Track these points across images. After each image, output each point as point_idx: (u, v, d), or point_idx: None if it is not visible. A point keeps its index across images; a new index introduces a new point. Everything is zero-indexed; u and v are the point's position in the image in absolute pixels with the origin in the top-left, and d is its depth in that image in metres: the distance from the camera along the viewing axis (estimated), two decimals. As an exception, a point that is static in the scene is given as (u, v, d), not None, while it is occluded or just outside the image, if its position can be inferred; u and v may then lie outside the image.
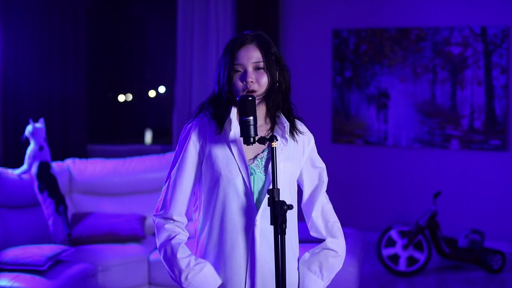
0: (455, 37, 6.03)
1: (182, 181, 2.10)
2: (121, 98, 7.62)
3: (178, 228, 2.09)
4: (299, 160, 2.16)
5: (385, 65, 6.26)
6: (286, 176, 2.06)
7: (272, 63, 2.08)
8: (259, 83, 2.05)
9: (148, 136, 7.80)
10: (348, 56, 6.37)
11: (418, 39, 6.15)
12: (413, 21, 6.19)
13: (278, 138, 2.07)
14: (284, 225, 1.90)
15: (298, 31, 6.55)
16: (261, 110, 2.11)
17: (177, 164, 2.11)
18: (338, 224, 2.22)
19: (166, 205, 2.10)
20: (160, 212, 2.10)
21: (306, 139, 2.19)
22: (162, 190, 2.14)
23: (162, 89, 7.57)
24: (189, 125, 2.13)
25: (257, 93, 2.05)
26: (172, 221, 2.09)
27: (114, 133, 7.76)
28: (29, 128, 4.56)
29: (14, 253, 3.87)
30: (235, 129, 2.08)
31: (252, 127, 1.98)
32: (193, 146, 2.10)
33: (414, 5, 6.20)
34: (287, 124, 2.10)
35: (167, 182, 2.13)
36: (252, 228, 2.04)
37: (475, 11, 6.00)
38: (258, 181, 2.07)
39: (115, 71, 7.61)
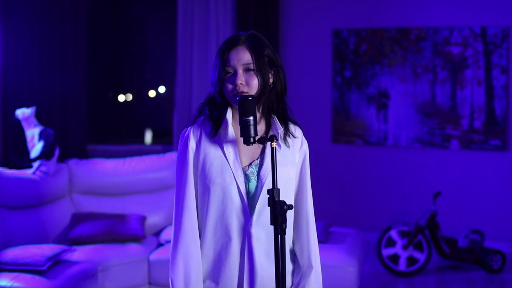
0: (455, 37, 6.03)
1: (192, 201, 2.08)
2: (121, 98, 7.62)
3: (194, 275, 2.05)
4: (293, 164, 2.13)
5: (385, 65, 6.26)
6: (281, 182, 2.03)
7: (263, 65, 2.05)
8: (249, 85, 2.03)
9: (148, 136, 7.80)
10: (348, 56, 6.37)
11: (418, 39, 6.14)
12: (413, 21, 6.19)
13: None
14: (284, 225, 1.89)
15: (298, 31, 6.55)
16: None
17: (183, 185, 2.08)
18: (312, 255, 2.15)
19: (180, 236, 2.06)
20: (178, 248, 2.05)
21: (298, 143, 2.16)
22: (174, 210, 2.11)
23: (162, 89, 7.57)
24: (186, 133, 2.12)
25: (247, 95, 2.04)
26: (189, 259, 2.05)
27: (114, 133, 7.76)
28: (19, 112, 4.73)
29: (14, 253, 3.87)
30: (230, 133, 2.07)
31: (252, 127, 1.96)
32: (192, 153, 2.09)
33: (414, 5, 6.20)
34: (281, 130, 2.08)
35: (177, 201, 2.10)
36: (246, 234, 2.03)
37: (475, 11, 6.00)
38: (252, 187, 2.06)
39: (115, 71, 7.61)
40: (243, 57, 2.05)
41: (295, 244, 2.16)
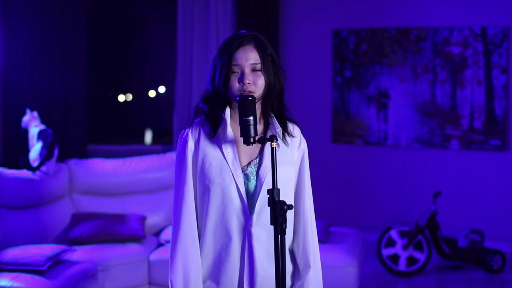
0: (455, 37, 6.03)
1: (191, 202, 2.08)
2: (121, 98, 7.62)
3: (193, 276, 2.06)
4: (292, 163, 2.13)
5: (385, 65, 6.26)
6: (280, 181, 2.03)
7: (269, 65, 2.06)
8: (256, 84, 2.03)
9: (148, 136, 7.80)
10: (348, 56, 6.37)
11: (418, 39, 6.14)
12: (413, 21, 6.19)
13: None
14: (284, 225, 1.89)
15: (298, 31, 6.55)
16: (257, 112, 2.10)
17: (182, 185, 2.08)
18: (312, 253, 2.15)
19: (179, 237, 2.06)
20: (177, 249, 2.06)
21: (297, 141, 2.16)
22: (173, 210, 2.11)
23: (162, 89, 7.57)
24: (184, 134, 2.11)
25: (254, 94, 2.03)
26: (188, 260, 2.06)
27: (114, 133, 7.76)
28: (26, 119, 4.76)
29: (14, 253, 3.87)
30: (229, 133, 2.06)
31: (252, 127, 1.97)
32: (190, 154, 2.09)
33: (414, 5, 6.20)
34: (279, 130, 2.08)
35: (176, 202, 2.10)
36: (246, 234, 2.04)
37: (475, 11, 6.00)
38: (251, 187, 2.06)
39: (115, 71, 7.61)
40: (251, 56, 2.04)
41: (293, 243, 2.16)
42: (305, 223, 2.15)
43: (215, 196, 2.05)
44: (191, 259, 2.05)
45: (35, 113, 4.90)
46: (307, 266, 2.12)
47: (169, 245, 2.11)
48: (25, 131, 4.91)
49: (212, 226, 2.06)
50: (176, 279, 2.05)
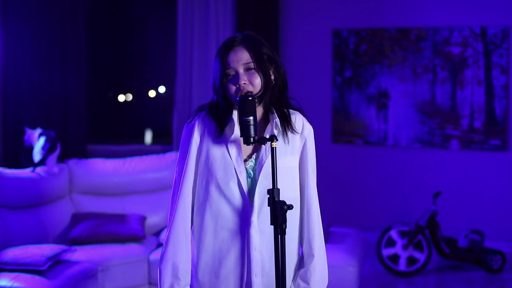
0: (455, 37, 6.03)
1: (188, 194, 2.10)
2: (121, 98, 7.62)
3: (182, 266, 2.08)
4: (292, 153, 2.13)
5: (385, 65, 6.26)
6: (280, 172, 2.03)
7: (263, 62, 2.06)
8: (252, 84, 2.04)
9: (148, 136, 7.80)
10: (348, 56, 6.37)
11: (418, 39, 6.14)
12: (413, 21, 6.19)
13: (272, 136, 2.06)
14: (284, 225, 1.90)
15: (298, 31, 6.55)
16: (258, 110, 2.09)
17: (183, 176, 2.10)
18: (316, 239, 2.16)
19: (172, 229, 2.09)
20: (170, 239, 2.08)
21: (298, 131, 2.15)
22: (170, 200, 2.13)
23: (162, 89, 7.57)
24: (191, 125, 2.13)
25: (252, 94, 2.04)
26: (178, 251, 2.08)
27: (114, 133, 7.76)
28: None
29: (14, 253, 3.87)
30: (236, 132, 2.07)
31: (252, 127, 1.97)
32: (195, 146, 2.10)
33: (414, 5, 6.20)
34: (276, 119, 2.08)
35: (174, 192, 2.12)
36: (248, 228, 2.04)
37: (475, 11, 6.00)
38: (253, 182, 2.07)
39: (115, 71, 7.61)
40: (242, 57, 2.05)
41: (300, 232, 2.17)
42: (309, 212, 2.15)
43: (216, 190, 2.06)
44: (181, 249, 2.07)
45: (38, 130, 4.88)
46: (311, 255, 2.13)
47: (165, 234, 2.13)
48: (28, 148, 4.87)
49: (213, 220, 2.08)
50: (165, 268, 2.08)
